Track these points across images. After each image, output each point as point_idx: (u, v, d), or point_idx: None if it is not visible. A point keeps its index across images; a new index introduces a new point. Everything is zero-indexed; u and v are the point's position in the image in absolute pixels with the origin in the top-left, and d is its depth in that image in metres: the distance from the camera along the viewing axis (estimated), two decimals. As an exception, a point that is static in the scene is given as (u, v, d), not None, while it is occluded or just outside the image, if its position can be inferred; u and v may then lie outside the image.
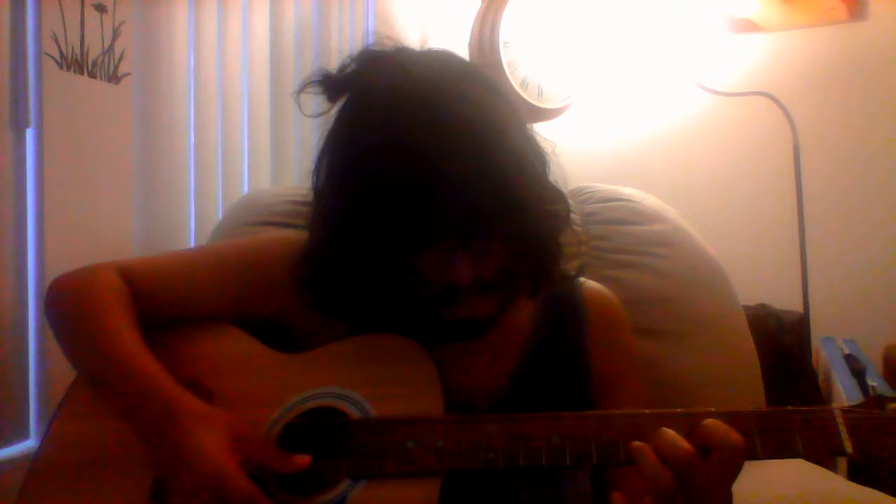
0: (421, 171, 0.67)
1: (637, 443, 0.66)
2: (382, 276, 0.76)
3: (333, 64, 0.78)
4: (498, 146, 0.70)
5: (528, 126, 0.80)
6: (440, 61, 0.77)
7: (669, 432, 0.64)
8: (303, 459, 0.72)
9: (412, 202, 0.68)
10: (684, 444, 0.63)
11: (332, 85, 0.76)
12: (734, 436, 0.63)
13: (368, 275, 0.77)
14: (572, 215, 0.82)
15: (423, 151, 0.67)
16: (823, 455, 0.67)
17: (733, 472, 0.64)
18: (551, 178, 0.81)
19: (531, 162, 0.77)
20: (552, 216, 0.80)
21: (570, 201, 1.30)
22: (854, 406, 0.68)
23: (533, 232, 0.75)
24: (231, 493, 0.66)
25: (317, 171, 0.78)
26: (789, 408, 0.68)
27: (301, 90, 0.78)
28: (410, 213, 0.69)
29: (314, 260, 0.80)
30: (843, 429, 0.65)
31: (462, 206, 0.68)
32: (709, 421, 0.64)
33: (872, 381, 1.53)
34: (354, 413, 0.76)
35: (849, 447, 0.65)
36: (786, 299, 1.88)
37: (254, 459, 0.71)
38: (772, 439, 0.66)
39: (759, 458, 0.65)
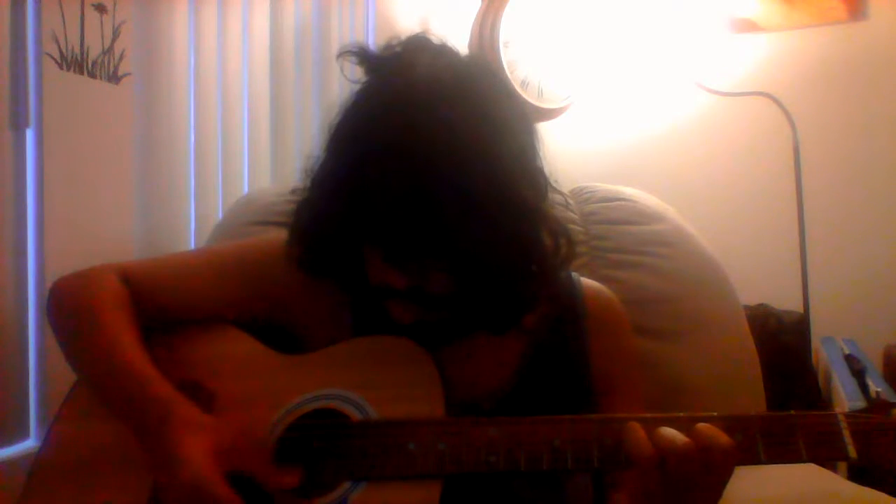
0: (370, 176, 0.68)
1: (632, 423, 0.66)
2: (341, 253, 0.79)
3: (333, 66, 0.78)
4: (452, 177, 0.67)
5: (528, 152, 0.77)
6: (449, 70, 0.74)
7: (669, 429, 0.65)
8: (292, 477, 0.72)
9: (353, 200, 0.70)
10: (683, 437, 0.63)
11: (364, 60, 0.77)
12: (724, 439, 0.63)
13: (334, 248, 0.79)
14: (572, 226, 0.81)
15: (379, 157, 0.68)
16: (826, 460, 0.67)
17: (723, 476, 0.64)
18: (550, 202, 0.79)
19: (506, 198, 0.71)
20: (527, 251, 0.76)
21: (571, 201, 1.32)
22: (858, 411, 0.67)
23: (491, 269, 0.72)
24: (208, 502, 0.66)
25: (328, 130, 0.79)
26: (793, 412, 0.68)
27: (341, 55, 0.79)
28: (351, 208, 0.71)
29: (301, 211, 0.83)
30: (846, 434, 0.65)
31: (389, 224, 0.69)
32: (700, 425, 0.64)
33: (872, 382, 1.53)
34: (355, 415, 0.76)
35: (853, 453, 0.64)
36: (786, 299, 1.88)
37: (244, 470, 0.71)
38: (775, 444, 0.66)
39: (762, 463, 0.65)
